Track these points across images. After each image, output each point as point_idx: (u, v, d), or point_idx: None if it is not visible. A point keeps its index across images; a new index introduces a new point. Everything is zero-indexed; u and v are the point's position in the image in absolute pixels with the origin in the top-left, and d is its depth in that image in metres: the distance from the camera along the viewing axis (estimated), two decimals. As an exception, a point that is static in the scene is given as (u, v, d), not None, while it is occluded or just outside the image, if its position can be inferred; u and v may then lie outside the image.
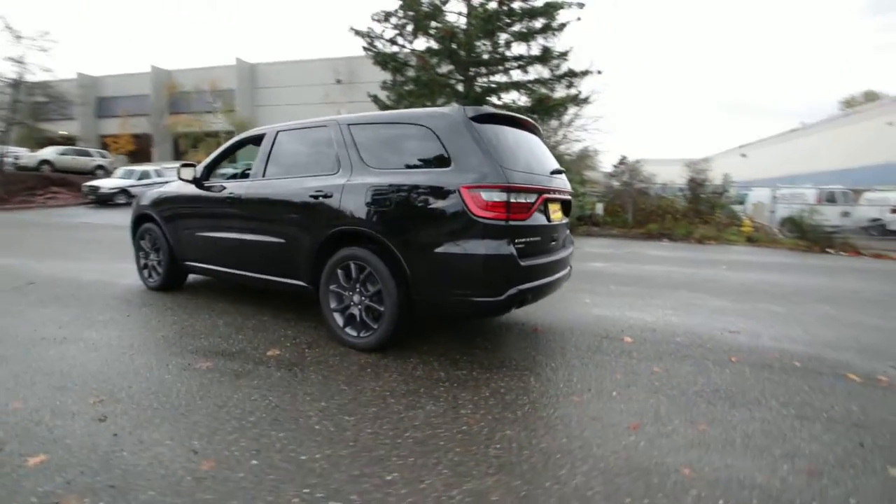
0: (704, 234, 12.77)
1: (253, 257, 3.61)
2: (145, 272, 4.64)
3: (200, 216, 4.04)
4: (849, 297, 5.41)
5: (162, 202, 4.36)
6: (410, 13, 16.03)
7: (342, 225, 3.01)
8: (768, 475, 1.80)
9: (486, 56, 16.21)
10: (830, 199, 15.09)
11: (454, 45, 14.95)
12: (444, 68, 15.95)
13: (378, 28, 16.68)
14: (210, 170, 4.14)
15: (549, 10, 15.84)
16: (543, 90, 16.84)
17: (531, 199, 2.76)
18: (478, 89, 17.54)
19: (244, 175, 4.43)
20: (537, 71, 17.21)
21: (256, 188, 3.58)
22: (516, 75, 17.55)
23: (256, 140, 4.16)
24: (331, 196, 3.08)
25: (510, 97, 16.16)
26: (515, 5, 15.52)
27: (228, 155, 4.19)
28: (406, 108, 16.33)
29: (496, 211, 2.59)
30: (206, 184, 4.06)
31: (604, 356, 3.07)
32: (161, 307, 3.95)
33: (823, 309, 4.69)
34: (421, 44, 17.62)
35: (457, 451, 1.89)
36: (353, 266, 3.00)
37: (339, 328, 3.09)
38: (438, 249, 2.68)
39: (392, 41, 16.75)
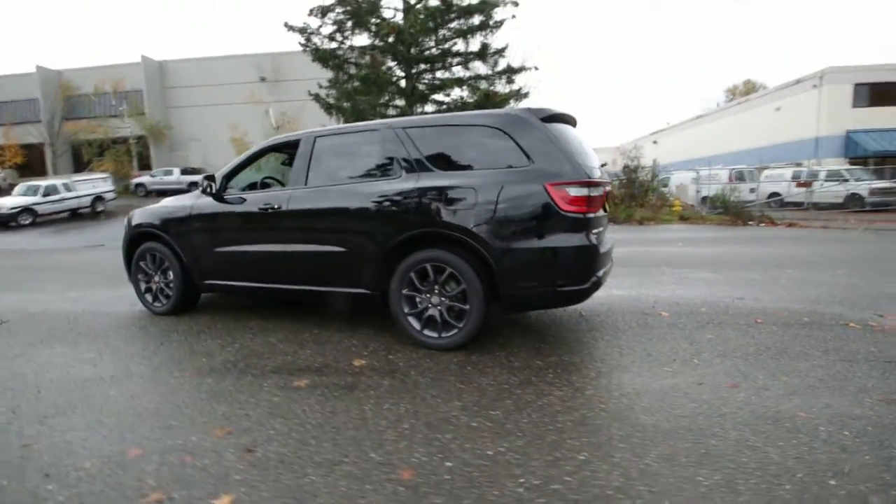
0: (644, 215, 14.00)
1: (302, 269, 3.48)
2: (148, 297, 4.23)
3: (226, 231, 3.79)
4: (801, 261, 6.33)
5: (173, 219, 4.00)
6: (348, 9, 15.65)
7: (417, 228, 3.03)
8: (861, 408, 2.18)
9: (430, 52, 16.30)
10: (740, 177, 17.22)
11: (399, 42, 14.84)
12: (387, 65, 15.77)
13: (314, 23, 16.12)
14: (228, 181, 3.89)
15: (485, 8, 16.26)
16: (485, 86, 17.30)
17: (600, 192, 2.98)
18: (421, 86, 17.65)
19: (264, 185, 4.22)
20: (477, 68, 17.65)
21: (303, 197, 3.44)
22: (458, 72, 17.90)
23: (283, 148, 3.99)
24: (401, 199, 3.07)
25: (457, 94, 16.40)
26: (455, 1, 15.73)
27: (248, 165, 3.94)
28: (350, 106, 15.98)
29: (578, 205, 2.77)
30: (226, 196, 3.81)
31: (658, 330, 3.39)
32: (190, 332, 3.66)
33: (788, 273, 5.47)
34: (362, 40, 17.35)
35: (615, 426, 2.06)
36: (429, 268, 3.03)
37: (416, 331, 3.11)
38: (527, 244, 2.81)
39: (331, 37, 16.26)
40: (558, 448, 1.89)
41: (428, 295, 3.09)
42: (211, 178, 3.77)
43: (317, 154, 3.52)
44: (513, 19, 19.59)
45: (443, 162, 3.08)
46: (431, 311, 3.08)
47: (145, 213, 4.24)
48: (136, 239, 4.24)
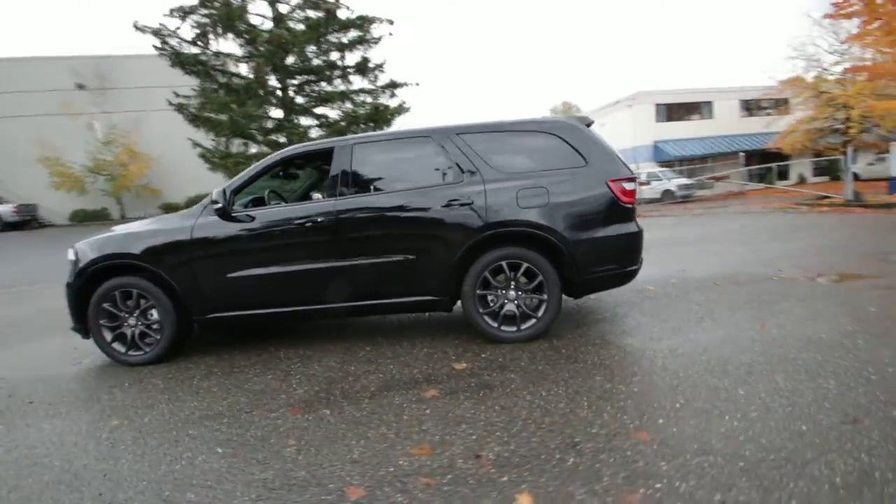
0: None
1: (358, 283, 3.24)
2: (118, 346, 3.38)
3: (249, 252, 3.29)
4: (682, 241, 7.98)
5: (165, 245, 3.28)
6: (214, 12, 14.16)
7: (492, 229, 3.13)
8: (830, 325, 3.07)
9: (310, 64, 15.71)
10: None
11: (281, 51, 13.98)
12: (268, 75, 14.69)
13: (172, 25, 14.16)
14: (234, 197, 3.39)
15: (362, 24, 16.42)
16: (370, 100, 17.42)
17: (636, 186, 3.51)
18: (301, 99, 16.88)
19: (258, 201, 3.76)
20: (357, 82, 17.64)
21: (356, 207, 3.22)
22: (339, 86, 17.62)
23: (305, 158, 3.65)
24: (471, 203, 3.14)
25: (346, 107, 16.09)
26: (339, 14, 15.50)
27: (260, 178, 3.48)
28: (228, 118, 14.43)
29: (630, 197, 3.24)
30: (235, 214, 3.33)
31: (663, 300, 4.08)
32: (214, 375, 3.08)
33: (687, 250, 6.90)
34: (228, 46, 15.84)
35: (709, 374, 2.53)
36: (505, 265, 3.17)
37: (493, 328, 3.20)
38: (597, 234, 3.17)
39: (194, 42, 14.47)
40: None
41: (503, 291, 3.21)
42: (223, 195, 3.22)
43: (357, 162, 3.34)
44: (390, 36, 20.08)
45: (506, 165, 3.25)
46: (509, 307, 3.21)
47: (108, 242, 3.40)
48: (93, 277, 3.36)
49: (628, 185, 3.22)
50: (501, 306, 3.22)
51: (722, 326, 3.26)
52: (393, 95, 17.55)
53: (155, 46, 14.18)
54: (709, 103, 28.24)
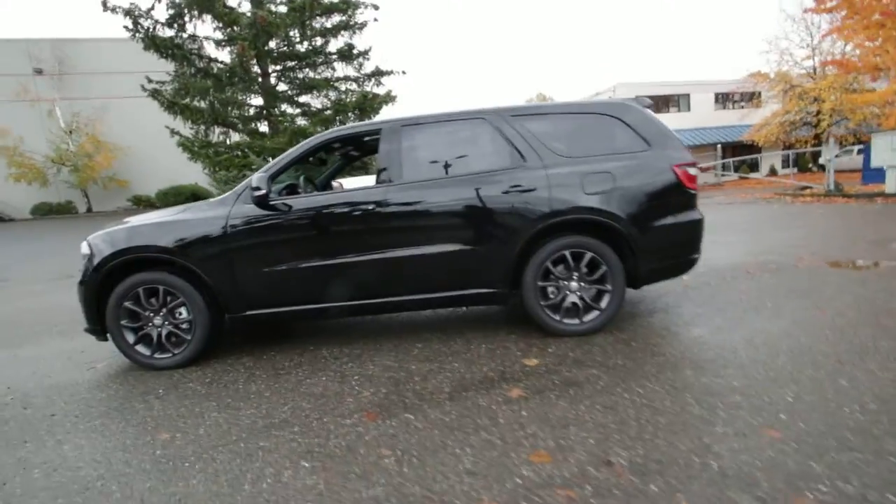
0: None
1: (405, 277, 3.03)
2: (142, 348, 3.07)
3: (291, 243, 3.02)
4: (735, 226, 8.02)
5: (198, 238, 2.97)
6: (190, -8, 13.40)
7: (556, 217, 2.96)
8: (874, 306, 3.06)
9: (294, 50, 15.11)
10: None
11: (265, 35, 13.35)
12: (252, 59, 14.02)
13: (145, 5, 13.31)
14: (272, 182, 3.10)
15: (346, 8, 15.93)
16: (356, 88, 16.99)
17: (691, 171, 3.40)
18: (284, 85, 16.28)
19: (291, 188, 3.48)
20: (341, 69, 17.16)
21: (410, 193, 2.99)
22: (323, 72, 17.08)
23: (347, 141, 3.38)
24: (534, 189, 2.96)
25: (333, 95, 15.58)
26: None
27: (298, 162, 3.19)
28: (209, 104, 13.72)
29: (694, 183, 3.13)
30: (272, 202, 3.04)
31: (710, 290, 4.02)
32: (258, 379, 2.82)
33: (744, 235, 6.89)
34: (207, 29, 15.08)
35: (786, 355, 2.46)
36: (568, 255, 3.01)
37: (555, 321, 3.05)
38: (664, 221, 3.04)
39: (170, 23, 13.64)
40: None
41: (567, 282, 3.06)
42: (266, 180, 2.93)
43: (407, 145, 3.10)
44: (375, 22, 19.52)
45: (566, 149, 3.08)
46: (571, 298, 3.06)
47: (131, 235, 3.05)
48: (112, 273, 3.02)
49: (692, 170, 3.11)
50: (563, 298, 3.06)
51: (783, 315, 3.20)
52: (379, 84, 17.16)
53: (126, 28, 13.30)
54: (686, 96, 28.86)
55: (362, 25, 16.72)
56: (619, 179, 2.99)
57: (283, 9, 14.27)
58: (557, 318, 3.06)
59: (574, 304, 3.06)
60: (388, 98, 16.07)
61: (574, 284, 3.06)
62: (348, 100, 15.16)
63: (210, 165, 14.18)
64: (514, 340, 3.10)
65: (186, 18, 14.18)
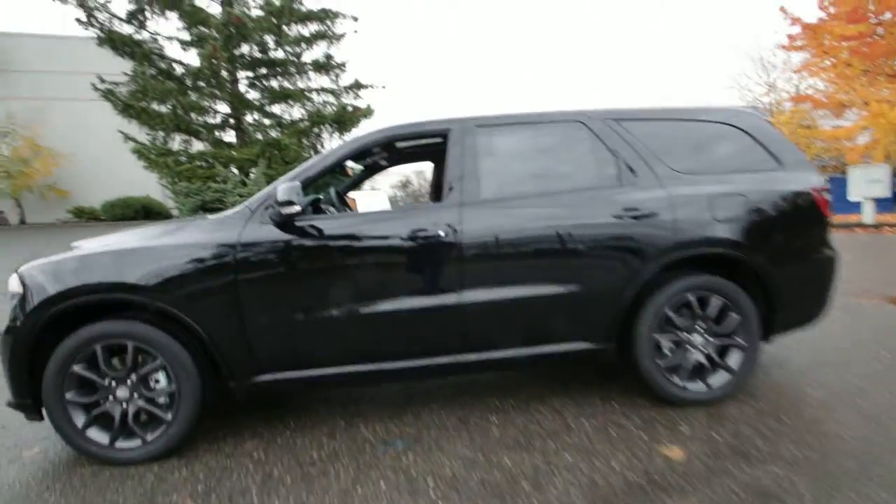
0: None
1: (482, 328, 2.24)
2: (97, 434, 2.08)
3: (324, 281, 2.17)
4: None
5: (189, 271, 2.04)
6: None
7: (682, 250, 2.28)
8: None
9: (272, 55, 14.16)
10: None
11: (240, 37, 12.36)
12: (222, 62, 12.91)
13: (102, -1, 12.01)
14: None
15: (325, 17, 15.28)
16: (332, 100, 16.24)
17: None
18: (255, 93, 15.24)
19: (324, 202, 2.65)
20: (317, 80, 16.38)
21: (488, 216, 2.22)
22: (297, 83, 16.21)
23: (405, 142, 2.60)
24: (655, 214, 2.28)
25: (310, 106, 14.66)
26: (295, 6, 14.16)
27: (332, 171, 2.35)
28: (171, 109, 12.44)
29: (830, 212, 2.55)
30: (299, 222, 2.19)
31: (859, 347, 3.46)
32: (301, 480, 1.91)
33: None
34: (170, 28, 13.90)
35: None
36: (692, 299, 2.33)
37: (676, 386, 2.33)
38: (804, 258, 2.45)
39: (129, 19, 12.37)
40: None
41: (687, 334, 2.36)
42: (298, 192, 2.06)
43: (484, 153, 2.35)
44: (355, 34, 18.93)
45: (681, 163, 2.43)
46: (695, 356, 2.36)
47: (85, 266, 2.08)
48: (57, 321, 2.04)
49: (828, 196, 2.54)
50: (684, 355, 2.36)
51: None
52: (357, 97, 16.43)
53: (79, 20, 11.91)
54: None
55: (341, 36, 16.04)
56: (755, 204, 2.36)
57: (258, 13, 13.35)
58: (678, 382, 2.35)
59: (699, 363, 2.37)
60: (369, 112, 15.35)
61: (698, 338, 2.37)
62: (326, 112, 14.28)
63: (169, 176, 12.79)
64: (619, 411, 2.36)
65: (148, 15, 12.95)
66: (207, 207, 11.47)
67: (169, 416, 2.10)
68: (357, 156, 2.47)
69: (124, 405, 2.09)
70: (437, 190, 3.48)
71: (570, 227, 2.27)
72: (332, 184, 2.92)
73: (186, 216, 11.36)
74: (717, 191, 2.35)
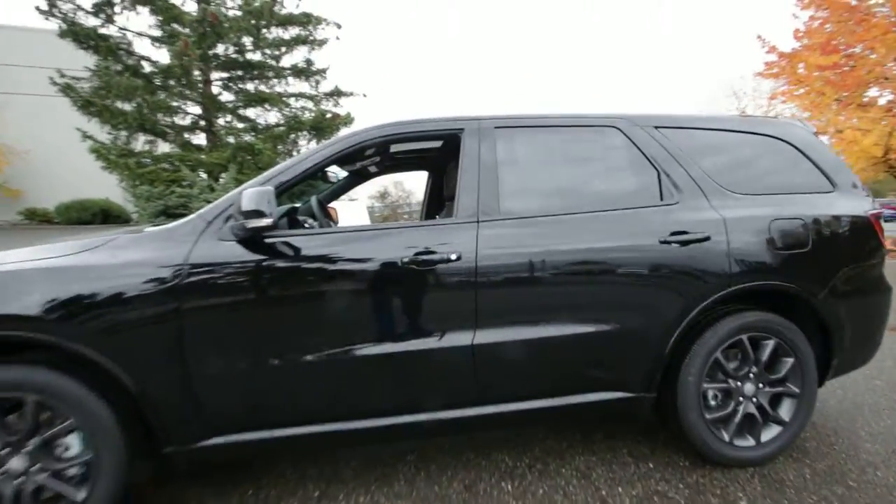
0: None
1: (494, 375, 1.80)
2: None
3: (296, 314, 1.69)
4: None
5: (112, 300, 1.52)
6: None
7: (738, 282, 1.91)
8: None
9: (244, 58, 13.53)
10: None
11: (215, 36, 11.71)
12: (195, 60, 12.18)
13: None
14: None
15: (307, 21, 14.81)
16: (311, 106, 15.70)
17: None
18: (229, 95, 14.55)
19: (302, 212, 2.17)
20: (296, 85, 15.83)
21: (508, 236, 1.80)
22: (274, 87, 15.61)
23: (405, 142, 2.17)
24: (706, 239, 1.90)
25: (287, 111, 14.05)
26: (276, 10, 13.63)
27: (313, 176, 1.88)
28: (135, 107, 11.61)
29: (884, 240, 2.26)
30: (270, 238, 1.71)
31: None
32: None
33: None
34: (140, 23, 13.13)
35: None
36: (746, 342, 1.96)
37: (723, 443, 1.95)
38: (863, 291, 2.11)
39: (95, 12, 11.55)
40: None
41: (740, 384, 1.99)
42: (269, 200, 1.58)
43: (504, 159, 1.93)
44: (337, 40, 18.51)
45: (728, 180, 2.07)
46: (746, 407, 1.99)
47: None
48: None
49: (883, 224, 2.24)
50: (735, 408, 1.98)
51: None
52: (337, 104, 15.94)
53: (39, 10, 11.03)
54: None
55: (323, 42, 15.58)
56: (815, 230, 2.03)
57: (236, 12, 12.75)
58: (726, 437, 1.96)
59: (749, 414, 1.99)
60: (349, 119, 14.85)
61: (749, 387, 2.00)
62: (304, 117, 13.70)
63: (129, 178, 11.89)
64: (658, 475, 1.94)
65: (117, 10, 12.15)
66: (170, 213, 10.66)
67: (82, 495, 1.56)
68: (346, 158, 2.01)
69: (20, 482, 1.54)
70: (434, 203, 3.06)
71: (607, 250, 1.88)
72: (312, 191, 2.44)
73: (146, 222, 10.54)
74: (774, 214, 2.00)
